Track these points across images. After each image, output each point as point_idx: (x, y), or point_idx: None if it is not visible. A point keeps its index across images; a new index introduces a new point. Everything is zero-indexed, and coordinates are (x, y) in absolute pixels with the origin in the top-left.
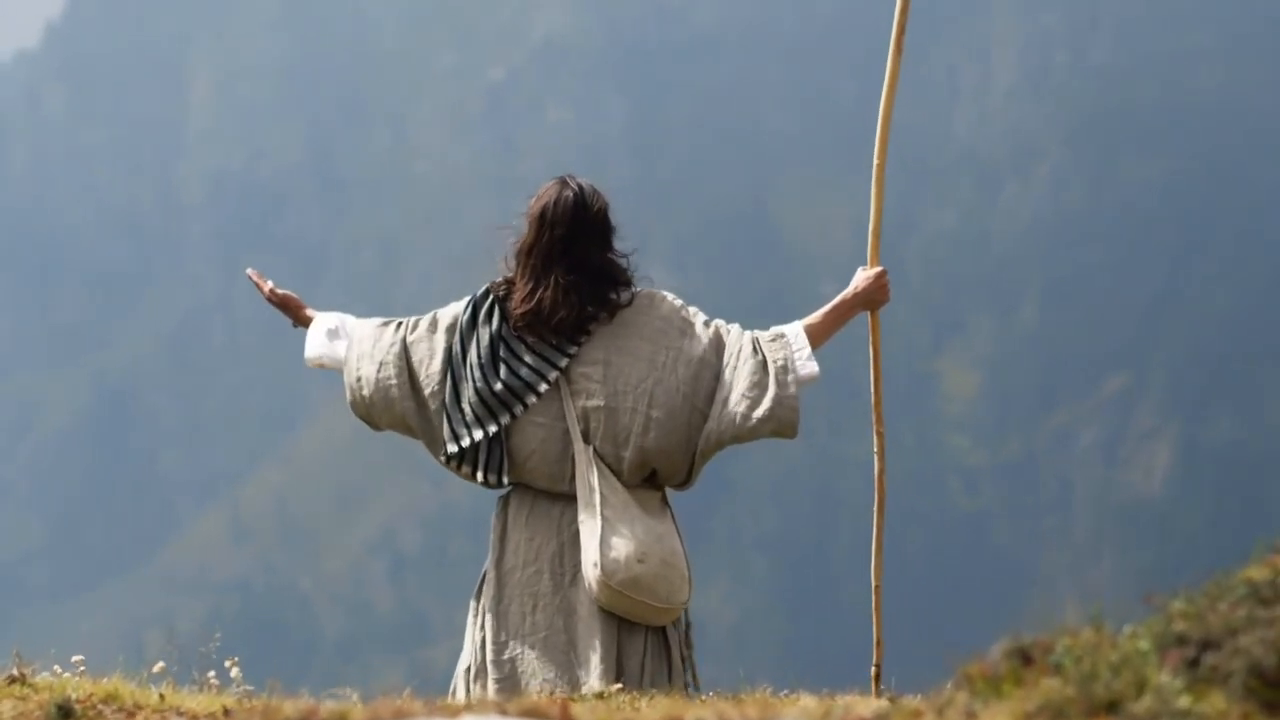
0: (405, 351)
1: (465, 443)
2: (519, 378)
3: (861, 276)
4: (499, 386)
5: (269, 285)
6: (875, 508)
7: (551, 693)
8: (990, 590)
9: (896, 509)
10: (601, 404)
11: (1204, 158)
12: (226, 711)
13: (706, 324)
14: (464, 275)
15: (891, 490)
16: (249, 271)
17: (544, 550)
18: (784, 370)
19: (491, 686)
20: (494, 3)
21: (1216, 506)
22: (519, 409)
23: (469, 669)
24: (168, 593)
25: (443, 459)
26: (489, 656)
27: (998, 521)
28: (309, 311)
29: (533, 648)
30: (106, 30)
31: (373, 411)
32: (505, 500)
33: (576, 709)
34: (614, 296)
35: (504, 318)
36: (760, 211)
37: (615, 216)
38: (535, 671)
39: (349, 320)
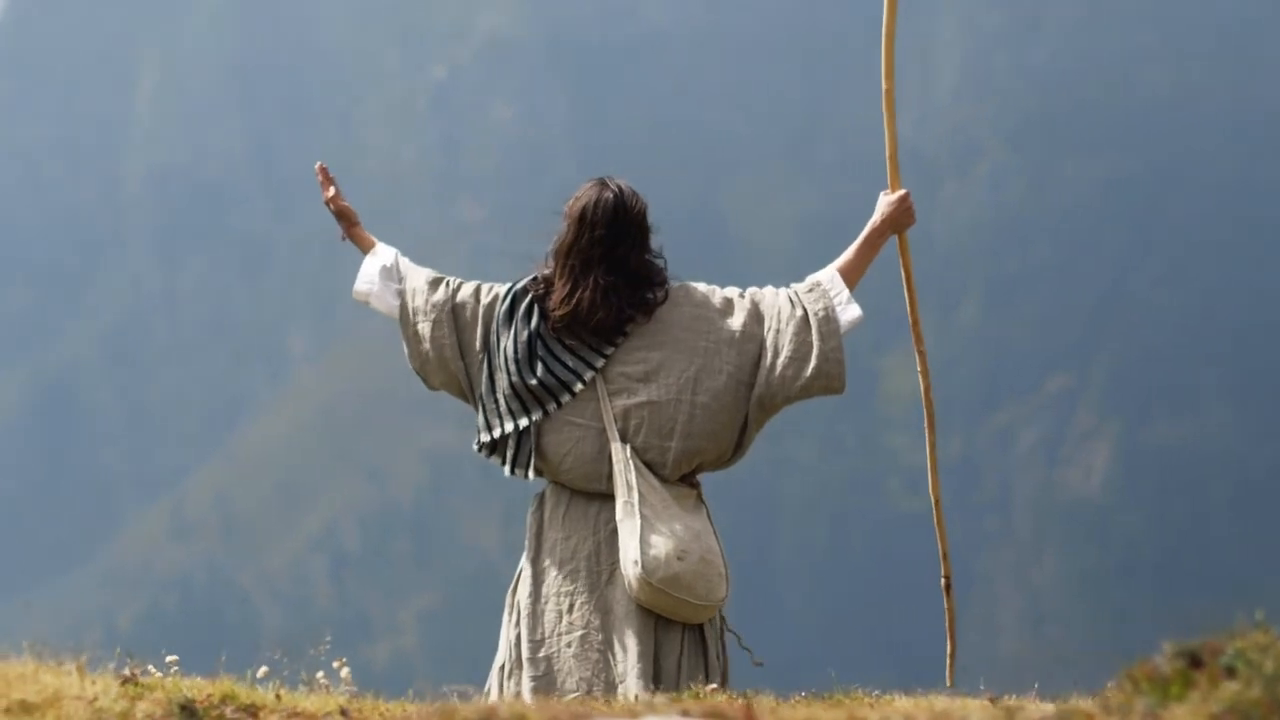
0: (454, 313)
1: (497, 433)
2: (554, 376)
3: (885, 202)
4: (534, 382)
5: (332, 191)
6: (926, 427)
7: (588, 692)
8: (931, 591)
9: (835, 509)
10: (644, 400)
11: (1147, 159)
12: (343, 711)
13: (741, 295)
14: None
15: (831, 490)
16: (318, 165)
17: (580, 549)
18: (826, 321)
19: (527, 685)
20: (437, 0)
21: (1156, 507)
22: (552, 406)
23: (503, 666)
24: (108, 590)
25: (475, 447)
26: (524, 654)
27: None
28: (363, 230)
29: (569, 646)
30: (50, 26)
31: (428, 368)
32: (540, 498)
33: (758, 709)
34: (651, 297)
35: (543, 316)
36: (708, 211)
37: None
38: (571, 670)
39: (404, 262)
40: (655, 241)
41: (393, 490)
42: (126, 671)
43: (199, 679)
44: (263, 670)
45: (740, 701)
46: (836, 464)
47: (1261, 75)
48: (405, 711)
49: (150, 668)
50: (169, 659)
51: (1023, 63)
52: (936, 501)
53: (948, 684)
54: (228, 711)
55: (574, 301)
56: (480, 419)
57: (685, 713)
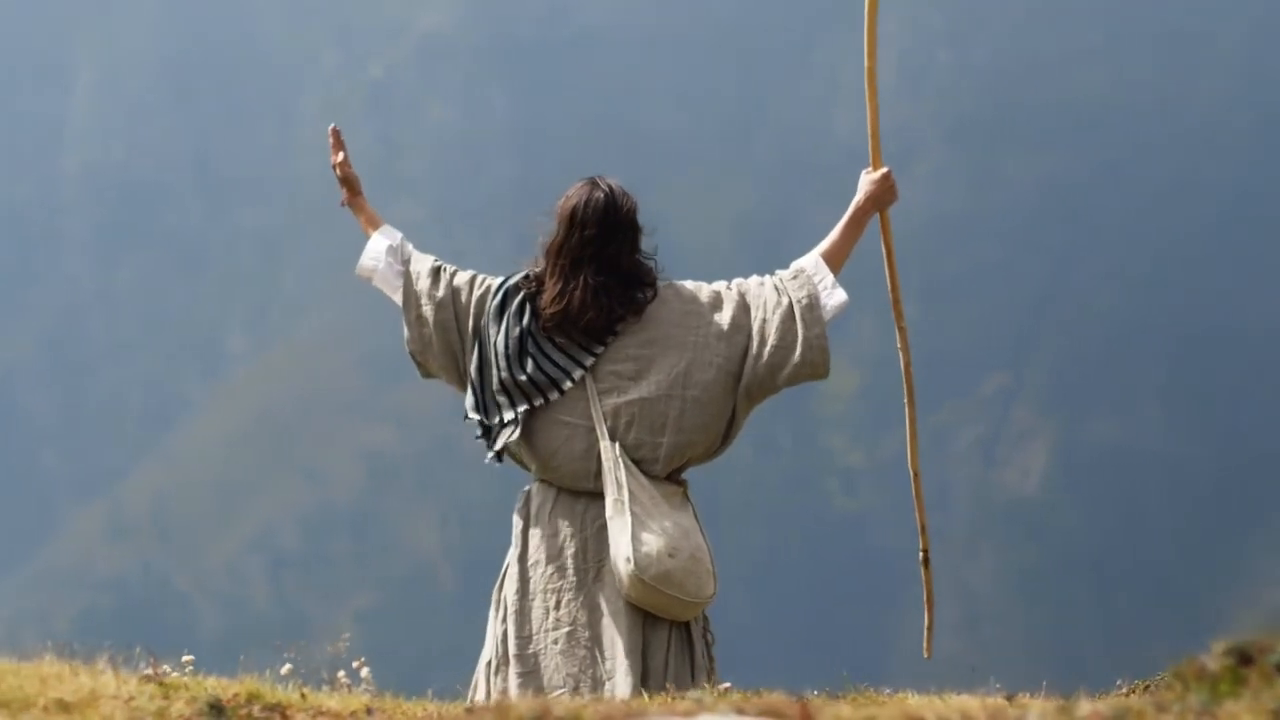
0: (454, 297)
1: (495, 419)
2: (544, 373)
3: (867, 180)
4: (523, 378)
5: (341, 156)
6: (906, 400)
7: (575, 689)
8: (870, 590)
9: (771, 510)
10: (635, 398)
11: (1087, 160)
12: (369, 710)
13: (728, 287)
14: (343, 275)
15: (768, 491)
16: (331, 127)
17: (567, 546)
18: (810, 308)
19: (514, 682)
20: None
21: (1094, 507)
22: (539, 401)
23: (490, 663)
24: (44, 591)
25: (466, 419)
26: (512, 651)
27: (876, 521)
28: (365, 203)
29: (555, 643)
30: None
31: (427, 352)
32: (527, 495)
33: (814, 706)
34: (641, 296)
35: (534, 314)
36: (645, 210)
37: (643, 217)
38: (559, 667)
39: (409, 245)
40: (645, 241)
41: (331, 491)
42: (149, 671)
43: (222, 679)
44: (285, 669)
45: (796, 700)
46: (772, 464)
47: (1203, 76)
48: (427, 711)
49: (165, 667)
50: (185, 658)
51: (963, 61)
52: (915, 474)
53: (925, 655)
54: (255, 710)
55: (565, 301)
56: (470, 400)
57: (741, 711)
